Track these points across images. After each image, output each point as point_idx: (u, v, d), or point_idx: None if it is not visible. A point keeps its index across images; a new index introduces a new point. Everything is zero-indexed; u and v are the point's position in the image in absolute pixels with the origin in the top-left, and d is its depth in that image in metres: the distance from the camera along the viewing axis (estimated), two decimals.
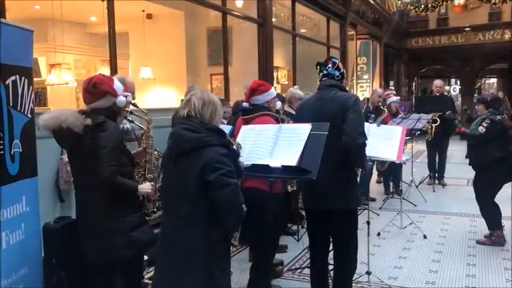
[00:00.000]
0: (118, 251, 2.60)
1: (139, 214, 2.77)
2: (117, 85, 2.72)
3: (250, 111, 3.46)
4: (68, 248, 3.09)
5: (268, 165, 2.71)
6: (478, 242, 4.98)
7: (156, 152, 3.30)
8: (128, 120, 3.13)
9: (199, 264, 2.21)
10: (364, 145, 2.98)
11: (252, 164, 2.73)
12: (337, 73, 3.22)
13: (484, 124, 4.81)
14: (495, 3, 12.31)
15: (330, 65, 3.23)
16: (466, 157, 5.10)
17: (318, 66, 3.29)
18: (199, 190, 2.18)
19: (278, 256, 4.33)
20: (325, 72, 3.23)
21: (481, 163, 4.97)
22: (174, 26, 8.17)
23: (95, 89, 2.61)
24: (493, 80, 25.43)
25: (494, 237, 4.93)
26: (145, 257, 3.57)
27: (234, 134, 3.44)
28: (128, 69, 8.62)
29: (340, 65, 3.29)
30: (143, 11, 7.99)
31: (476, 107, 5.34)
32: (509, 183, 4.90)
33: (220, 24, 6.91)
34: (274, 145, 2.82)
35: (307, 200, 3.24)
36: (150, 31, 8.11)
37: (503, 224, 5.01)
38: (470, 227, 5.59)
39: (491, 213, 4.95)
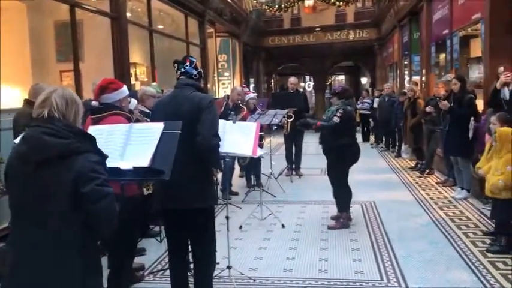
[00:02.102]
0: None
1: None
2: None
3: (99, 111, 3.27)
4: None
5: (118, 167, 2.58)
6: (329, 227, 5.39)
7: None
8: None
9: (76, 283, 2.00)
10: (218, 146, 3.02)
11: None
12: (194, 72, 3.24)
13: (338, 114, 5.23)
14: (339, 6, 13.46)
15: (187, 64, 3.24)
16: (320, 143, 5.51)
17: (176, 64, 3.26)
18: (71, 202, 1.95)
19: (139, 260, 4.18)
20: (182, 70, 3.23)
21: (331, 149, 5.37)
22: (15, 19, 7.36)
23: None
24: (342, 77, 28.06)
25: (342, 219, 5.39)
26: None
27: None
28: None
29: (198, 64, 3.30)
30: None
31: (330, 99, 5.80)
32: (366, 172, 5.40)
33: (69, 17, 6.42)
34: (124, 146, 2.68)
35: (163, 200, 3.16)
36: None
37: (351, 206, 5.52)
38: (323, 213, 6.02)
39: (343, 196, 5.42)
